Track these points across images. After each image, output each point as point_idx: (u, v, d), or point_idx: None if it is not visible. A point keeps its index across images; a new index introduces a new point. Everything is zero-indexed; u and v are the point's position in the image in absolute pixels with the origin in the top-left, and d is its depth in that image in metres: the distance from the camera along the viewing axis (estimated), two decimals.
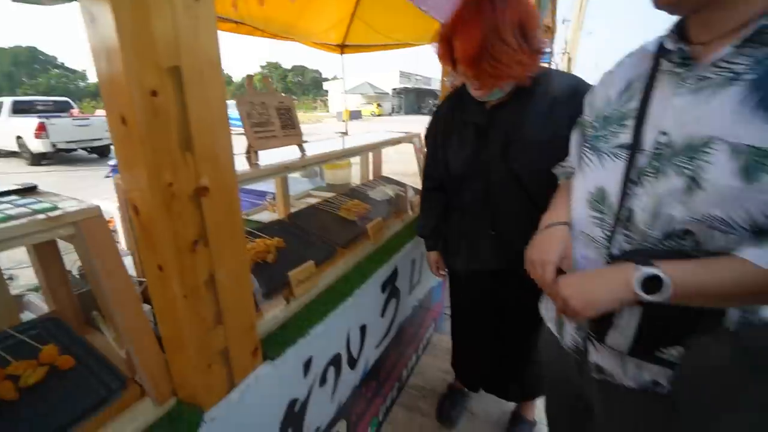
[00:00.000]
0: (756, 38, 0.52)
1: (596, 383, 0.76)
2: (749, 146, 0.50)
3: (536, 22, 0.92)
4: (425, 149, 1.36)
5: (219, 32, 0.58)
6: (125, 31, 0.48)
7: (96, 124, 9.09)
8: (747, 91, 0.52)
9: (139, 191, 0.57)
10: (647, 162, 0.62)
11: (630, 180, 0.64)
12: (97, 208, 0.59)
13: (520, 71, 0.92)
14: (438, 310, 2.18)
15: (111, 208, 1.57)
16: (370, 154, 2.13)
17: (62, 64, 67.12)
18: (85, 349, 0.73)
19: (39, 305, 0.95)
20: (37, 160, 8.67)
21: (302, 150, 1.29)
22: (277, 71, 66.37)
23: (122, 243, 1.22)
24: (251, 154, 1.10)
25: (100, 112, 12.69)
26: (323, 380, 1.06)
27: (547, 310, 0.91)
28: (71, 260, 0.96)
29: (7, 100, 9.30)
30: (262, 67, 67.74)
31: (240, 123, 1.06)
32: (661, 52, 0.64)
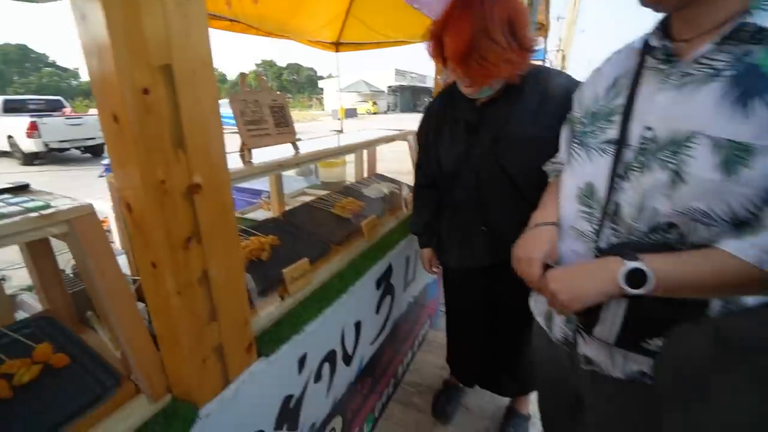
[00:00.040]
0: (735, 36, 0.53)
1: (586, 375, 0.77)
2: (729, 140, 0.52)
3: (526, 20, 0.93)
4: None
5: (213, 30, 0.59)
6: (116, 29, 0.48)
7: (89, 123, 8.98)
8: (727, 87, 0.53)
9: (132, 189, 0.57)
10: (633, 157, 0.63)
11: (617, 175, 0.65)
12: (90, 206, 0.59)
13: (509, 69, 0.93)
14: (433, 306, 2.19)
15: (105, 207, 1.57)
16: (365, 152, 2.14)
17: (54, 62, 66.43)
18: (79, 347, 0.73)
19: (33, 305, 0.95)
20: (30, 159, 8.56)
21: (296, 148, 1.30)
22: (272, 69, 66.07)
23: (116, 242, 1.22)
24: (245, 152, 1.10)
25: (93, 111, 12.56)
26: (318, 376, 1.07)
27: (536, 303, 0.92)
28: (65, 259, 0.95)
29: None
30: (257, 65, 67.45)
31: (234, 121, 1.07)
32: (646, 48, 0.65)
